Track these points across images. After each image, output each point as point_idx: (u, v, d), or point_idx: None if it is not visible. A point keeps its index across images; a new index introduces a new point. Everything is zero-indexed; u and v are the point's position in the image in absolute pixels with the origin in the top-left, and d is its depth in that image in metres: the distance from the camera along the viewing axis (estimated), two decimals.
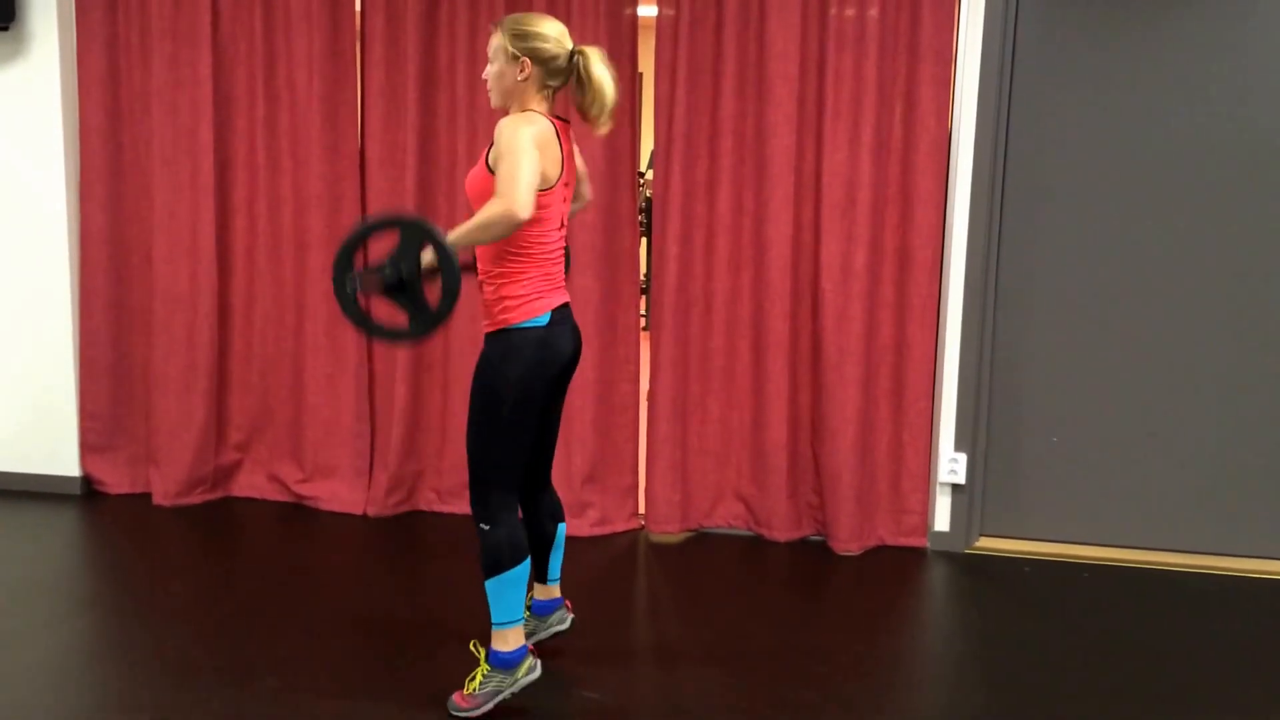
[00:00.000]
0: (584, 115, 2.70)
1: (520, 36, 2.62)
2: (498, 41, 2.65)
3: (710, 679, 2.97)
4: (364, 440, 4.30)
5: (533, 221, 2.59)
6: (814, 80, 3.87)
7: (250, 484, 4.43)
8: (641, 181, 5.45)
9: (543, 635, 3.05)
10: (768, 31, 3.82)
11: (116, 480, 4.44)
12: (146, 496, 4.38)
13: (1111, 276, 3.91)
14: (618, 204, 4.05)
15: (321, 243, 4.17)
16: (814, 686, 2.94)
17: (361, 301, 2.56)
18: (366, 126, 4.15)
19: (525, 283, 2.64)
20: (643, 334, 4.17)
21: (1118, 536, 4.02)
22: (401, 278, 2.48)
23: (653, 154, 4.02)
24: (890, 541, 4.07)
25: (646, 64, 3.95)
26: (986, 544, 4.07)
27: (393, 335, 2.63)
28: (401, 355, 4.16)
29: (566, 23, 3.91)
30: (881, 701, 2.87)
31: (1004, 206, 3.94)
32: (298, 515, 4.26)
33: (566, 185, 2.69)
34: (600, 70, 2.66)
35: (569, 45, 2.67)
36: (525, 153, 2.47)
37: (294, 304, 4.29)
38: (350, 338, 4.22)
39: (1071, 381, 3.97)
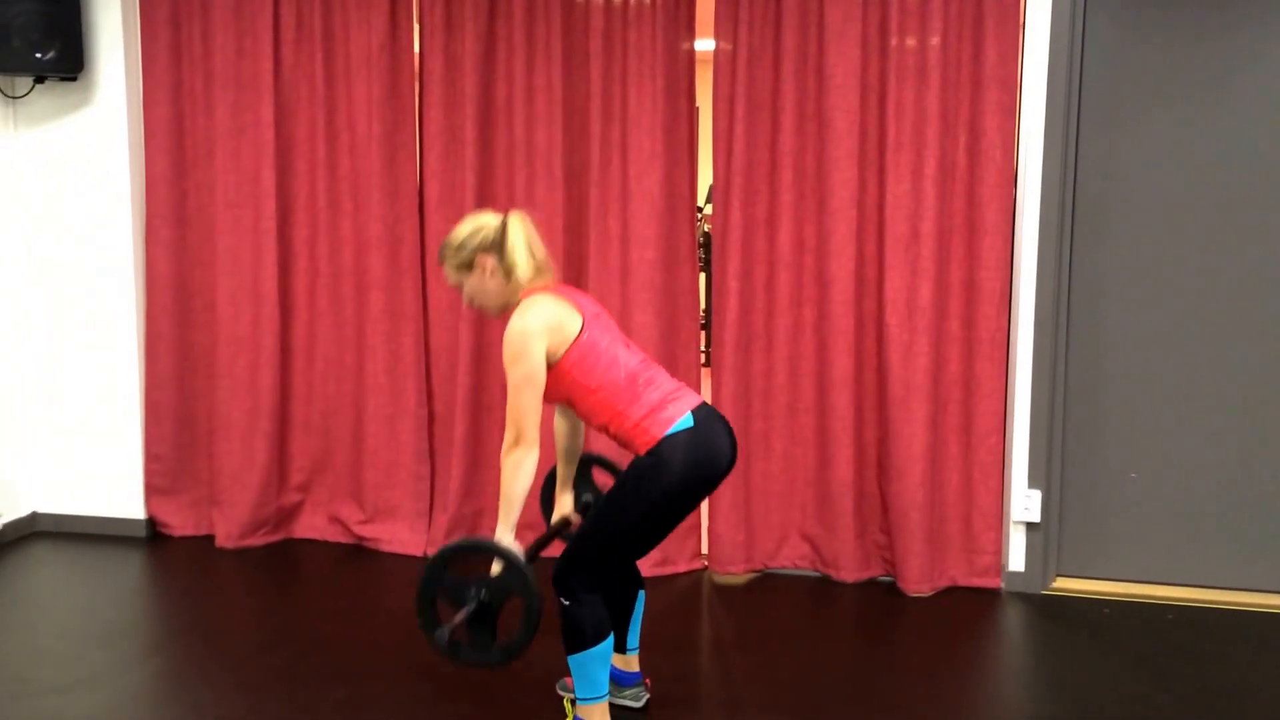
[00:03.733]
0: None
1: (460, 248, 2.65)
2: (449, 268, 2.68)
3: None
4: (424, 481, 4.28)
5: (580, 371, 2.57)
6: (875, 112, 3.81)
7: (311, 525, 4.43)
8: (700, 217, 5.43)
9: (614, 700, 2.95)
10: (827, 64, 3.78)
11: (180, 522, 4.46)
12: (210, 539, 4.40)
13: (1188, 305, 3.79)
14: (676, 240, 4.02)
15: (382, 284, 4.19)
16: None
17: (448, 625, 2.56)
18: (425, 167, 4.17)
19: (635, 407, 2.57)
20: (703, 370, 4.12)
21: (1204, 576, 3.86)
22: (480, 610, 2.50)
23: (711, 189, 3.99)
24: (962, 582, 3.95)
25: (704, 99, 3.94)
26: (1064, 584, 3.94)
27: (482, 662, 2.58)
28: (460, 394, 4.15)
29: (624, 60, 3.93)
30: None
31: (1074, 236, 3.84)
32: (358, 557, 4.25)
33: (595, 318, 2.65)
34: (516, 237, 2.63)
35: (495, 221, 2.66)
36: (526, 380, 2.49)
37: (354, 345, 4.30)
38: (410, 377, 4.22)
39: (1149, 413, 3.84)
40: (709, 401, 3.85)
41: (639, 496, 2.56)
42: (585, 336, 2.58)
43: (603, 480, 3.17)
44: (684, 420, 2.56)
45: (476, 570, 2.52)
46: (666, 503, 2.57)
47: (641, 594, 2.95)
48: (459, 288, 2.71)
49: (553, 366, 2.57)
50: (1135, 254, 3.81)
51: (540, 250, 2.68)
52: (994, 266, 3.79)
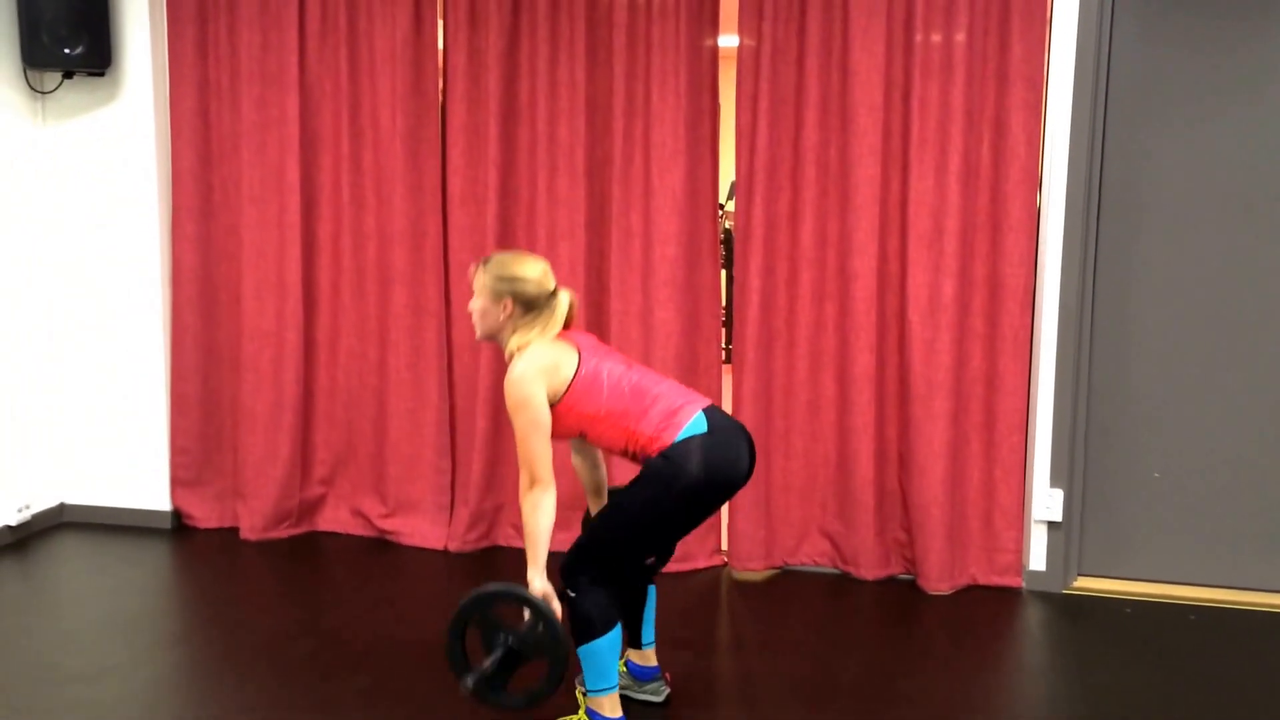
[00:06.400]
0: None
1: (504, 279, 2.68)
2: (482, 280, 2.72)
3: None
4: (445, 475, 4.30)
5: (585, 403, 2.63)
6: (899, 108, 3.80)
7: (334, 518, 4.47)
8: (722, 213, 5.41)
9: (634, 696, 2.98)
10: (851, 60, 3.77)
11: (205, 515, 4.51)
12: (234, 531, 4.44)
13: (1214, 303, 3.76)
14: (698, 236, 4.02)
15: (405, 279, 4.21)
16: None
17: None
18: (448, 163, 4.18)
19: (645, 421, 2.61)
20: (725, 367, 4.12)
21: (1226, 576, 3.84)
22: (507, 656, 2.59)
23: (733, 185, 3.99)
24: (983, 581, 3.94)
25: (727, 95, 3.93)
26: (1085, 584, 3.92)
27: (503, 706, 2.65)
28: (482, 389, 4.17)
29: (647, 56, 3.93)
30: None
31: (1099, 233, 3.81)
32: (380, 550, 4.27)
33: (593, 349, 2.72)
34: (562, 315, 2.72)
35: (550, 286, 2.71)
36: (531, 425, 2.57)
37: (377, 339, 4.32)
38: (432, 372, 4.24)
39: (1174, 413, 3.82)
40: (731, 405, 3.86)
41: (650, 498, 2.59)
42: (584, 370, 2.64)
43: None
44: (695, 423, 2.59)
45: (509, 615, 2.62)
46: (679, 506, 2.59)
47: (652, 589, 2.96)
48: (473, 294, 2.77)
49: (557, 404, 2.63)
50: (1161, 252, 3.78)
51: (558, 325, 2.72)
52: (1018, 263, 3.77)
